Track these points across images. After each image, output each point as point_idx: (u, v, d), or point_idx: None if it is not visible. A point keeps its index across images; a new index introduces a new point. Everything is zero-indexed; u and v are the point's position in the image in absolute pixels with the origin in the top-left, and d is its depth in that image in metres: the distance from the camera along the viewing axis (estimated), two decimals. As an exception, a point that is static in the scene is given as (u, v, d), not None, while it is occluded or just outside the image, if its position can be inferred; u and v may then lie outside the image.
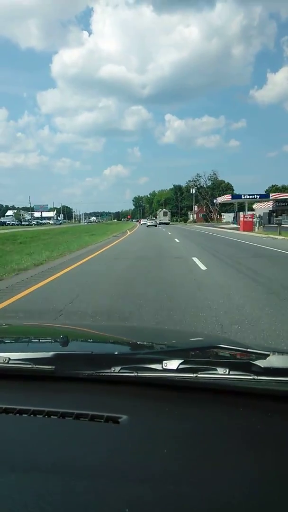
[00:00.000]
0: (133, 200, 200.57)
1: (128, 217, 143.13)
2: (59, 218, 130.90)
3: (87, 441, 0.76)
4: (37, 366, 0.98)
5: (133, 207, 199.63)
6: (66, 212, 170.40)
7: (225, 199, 54.33)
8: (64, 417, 0.82)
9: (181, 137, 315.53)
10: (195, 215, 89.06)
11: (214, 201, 69.69)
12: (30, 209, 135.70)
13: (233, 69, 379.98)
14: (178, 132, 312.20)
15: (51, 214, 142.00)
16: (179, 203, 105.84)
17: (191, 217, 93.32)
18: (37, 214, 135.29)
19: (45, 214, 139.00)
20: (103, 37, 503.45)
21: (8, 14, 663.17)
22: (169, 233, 29.14)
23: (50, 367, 0.97)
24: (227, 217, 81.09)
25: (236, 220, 44.27)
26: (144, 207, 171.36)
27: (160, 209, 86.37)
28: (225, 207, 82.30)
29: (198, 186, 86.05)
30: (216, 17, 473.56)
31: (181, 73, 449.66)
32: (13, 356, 1.01)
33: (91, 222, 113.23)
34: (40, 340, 1.51)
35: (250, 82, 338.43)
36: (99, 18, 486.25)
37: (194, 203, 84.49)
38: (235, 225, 40.88)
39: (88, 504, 0.58)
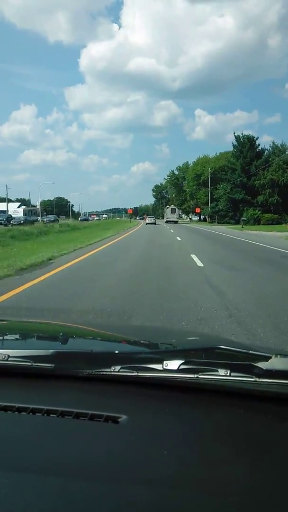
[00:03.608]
0: (152, 190, 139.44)
1: (129, 211, 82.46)
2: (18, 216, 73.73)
3: (86, 440, 0.75)
4: (36, 364, 0.96)
5: (156, 200, 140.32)
6: (59, 207, 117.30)
7: None
8: (64, 416, 0.81)
9: (211, 133, 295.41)
10: None
11: None
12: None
13: (268, 61, 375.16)
14: (209, 128, 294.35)
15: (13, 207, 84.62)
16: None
17: None
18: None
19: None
20: (133, 28, 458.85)
21: (38, 6, 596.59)
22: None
23: (49, 365, 0.96)
24: None
25: None
26: (168, 199, 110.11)
27: (167, 206, 71.85)
28: None
29: None
30: (253, 6, 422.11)
31: (214, 66, 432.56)
32: (13, 353, 0.99)
33: (49, 221, 51.48)
34: (40, 338, 1.47)
35: (286, 74, 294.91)
36: (130, 9, 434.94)
37: None
38: None
39: (86, 505, 0.58)
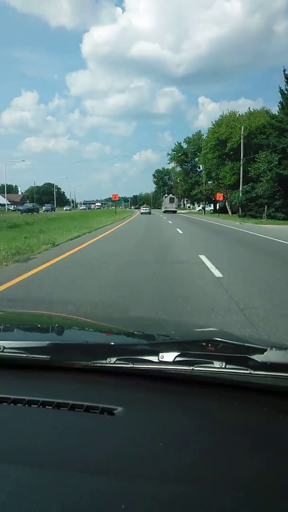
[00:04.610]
0: (153, 176, 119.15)
1: (114, 197, 56.08)
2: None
3: (81, 432, 0.76)
4: (32, 356, 0.97)
5: (157, 188, 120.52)
6: (49, 194, 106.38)
7: None
8: (59, 408, 0.81)
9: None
10: None
11: None
12: None
13: (274, 48, 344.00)
14: (212, 115, 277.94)
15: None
16: None
17: None
18: None
19: None
20: (137, 12, 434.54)
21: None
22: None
23: (45, 356, 0.96)
24: None
25: None
26: (171, 185, 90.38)
27: (165, 195, 63.96)
28: None
29: None
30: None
31: (219, 52, 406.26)
32: (8, 345, 0.99)
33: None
34: (36, 329, 1.49)
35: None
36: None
37: None
38: None
39: (82, 497, 0.58)
